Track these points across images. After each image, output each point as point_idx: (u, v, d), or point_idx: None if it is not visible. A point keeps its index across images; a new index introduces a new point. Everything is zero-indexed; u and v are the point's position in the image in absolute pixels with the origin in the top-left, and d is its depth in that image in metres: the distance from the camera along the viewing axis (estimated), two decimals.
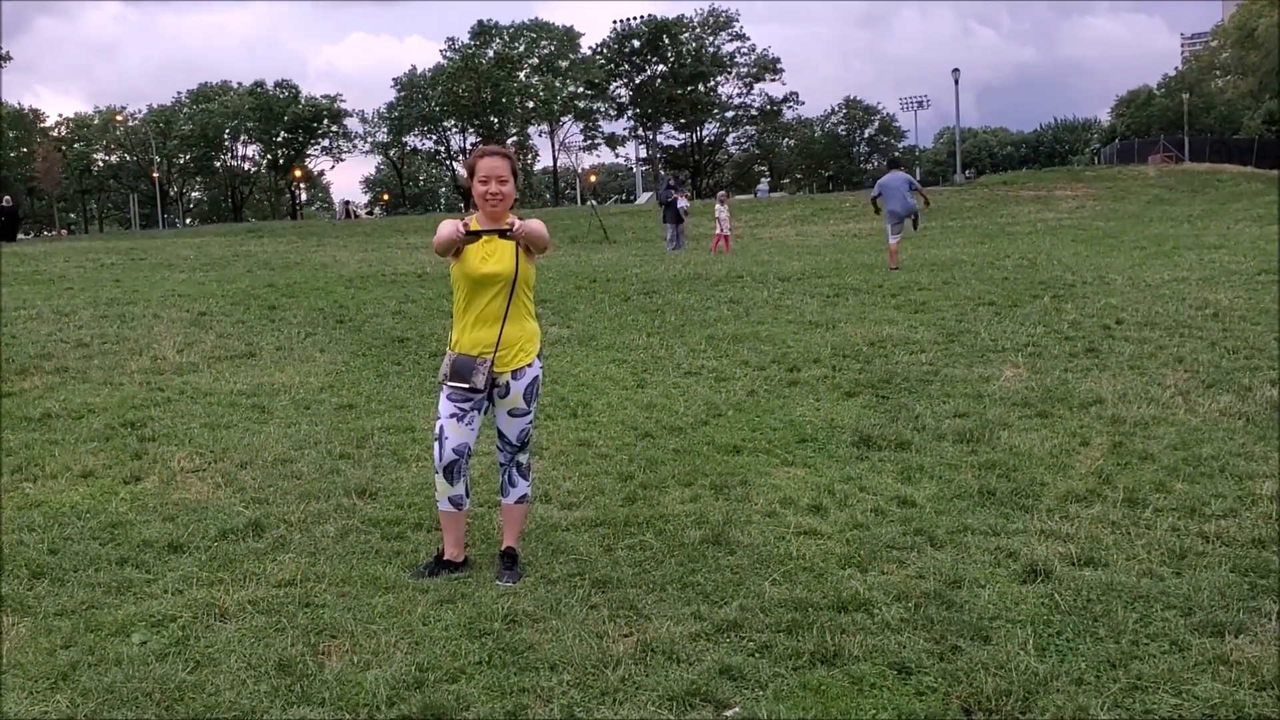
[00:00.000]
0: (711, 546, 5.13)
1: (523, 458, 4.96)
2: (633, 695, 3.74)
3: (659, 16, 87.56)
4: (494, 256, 4.72)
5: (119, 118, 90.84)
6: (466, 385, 4.71)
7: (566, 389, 8.53)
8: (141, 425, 7.65)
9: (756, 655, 4.04)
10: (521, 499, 4.99)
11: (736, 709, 3.66)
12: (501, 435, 4.93)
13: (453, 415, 4.77)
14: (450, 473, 4.79)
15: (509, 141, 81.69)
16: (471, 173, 4.74)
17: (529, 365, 4.82)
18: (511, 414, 4.86)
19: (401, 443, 7.06)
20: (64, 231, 77.73)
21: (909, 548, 5.15)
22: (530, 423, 4.93)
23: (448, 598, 4.58)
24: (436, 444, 4.81)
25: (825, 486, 6.10)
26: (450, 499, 4.84)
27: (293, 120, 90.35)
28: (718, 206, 25.93)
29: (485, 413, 4.88)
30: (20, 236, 27.45)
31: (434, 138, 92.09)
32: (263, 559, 5.06)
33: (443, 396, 4.79)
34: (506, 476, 4.98)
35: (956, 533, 5.35)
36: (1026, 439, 7.04)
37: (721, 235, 25.33)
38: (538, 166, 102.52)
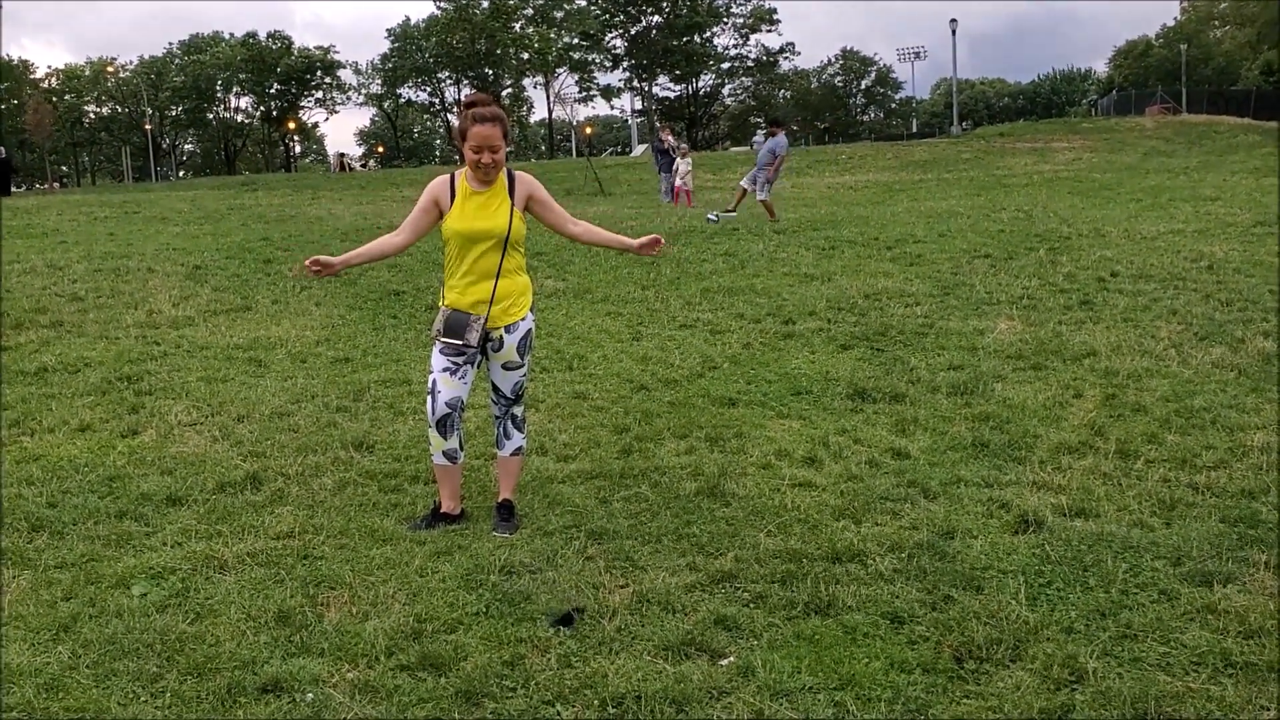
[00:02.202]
0: (707, 498, 5.17)
1: (517, 411, 4.98)
2: (629, 645, 3.79)
3: None
4: (486, 212, 4.71)
5: (110, 69, 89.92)
6: (459, 342, 4.71)
7: (562, 342, 8.55)
8: (138, 379, 7.66)
9: (751, 606, 4.09)
10: (517, 451, 5.02)
11: (731, 658, 3.71)
12: (495, 389, 4.94)
13: (445, 369, 4.77)
14: (444, 427, 4.80)
15: (504, 94, 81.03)
16: (464, 136, 4.70)
17: (522, 319, 4.82)
18: (505, 367, 4.87)
19: (398, 396, 7.08)
20: (56, 185, 77.25)
21: (902, 499, 5.19)
22: (524, 376, 4.94)
23: (445, 549, 4.62)
24: (429, 398, 4.81)
25: (820, 439, 6.13)
26: (444, 453, 4.86)
27: (286, 72, 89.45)
28: (678, 160, 23.86)
29: (479, 366, 4.89)
30: (13, 190, 27.26)
31: (428, 89, 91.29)
32: (261, 512, 5.09)
33: (435, 351, 4.79)
34: (501, 430, 4.99)
35: (950, 484, 5.39)
36: (1020, 391, 7.07)
37: (682, 189, 23.22)
38: (533, 119, 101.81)
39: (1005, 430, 6.25)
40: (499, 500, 4.98)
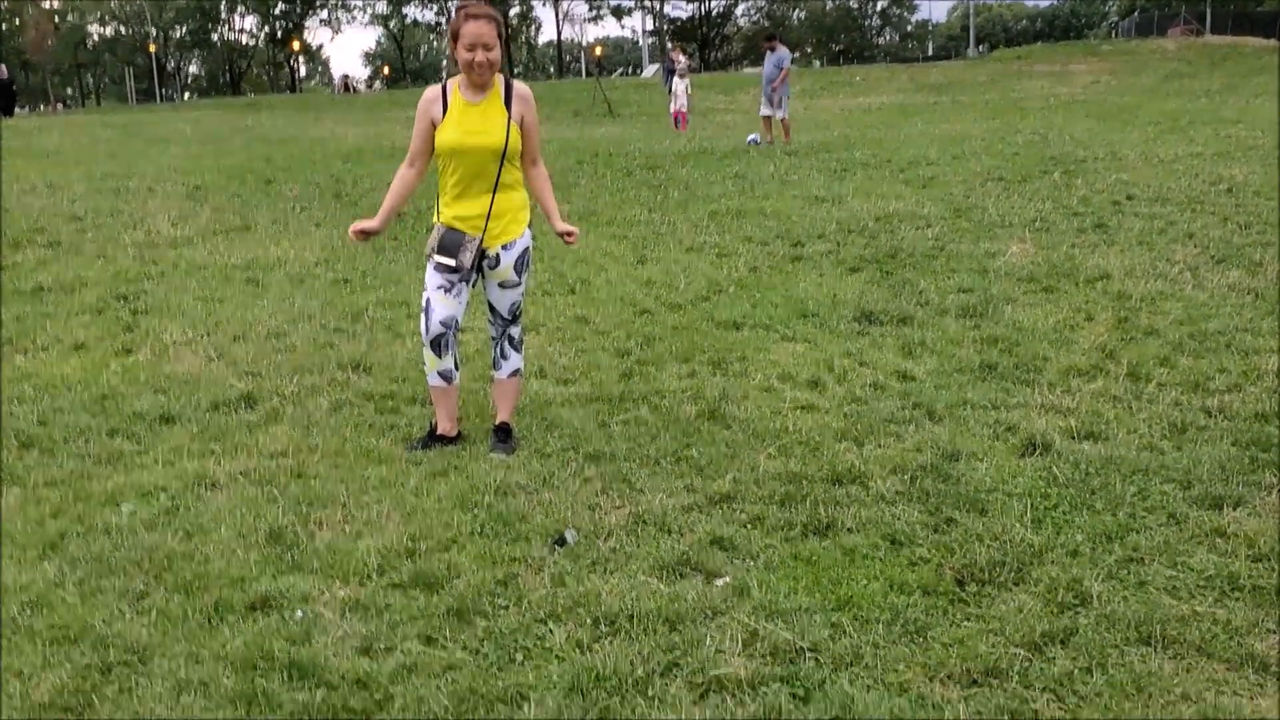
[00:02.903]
0: (707, 421, 5.08)
1: (514, 331, 4.86)
2: (623, 565, 3.72)
3: None
4: (482, 125, 4.54)
5: None
6: (453, 263, 4.58)
7: (564, 265, 8.42)
8: (134, 298, 7.58)
9: (749, 527, 4.02)
10: (514, 373, 4.91)
11: (727, 578, 3.65)
12: (492, 308, 4.82)
13: (440, 287, 4.65)
14: (438, 346, 4.70)
15: (511, 13, 79.75)
16: (455, 36, 4.51)
17: (519, 237, 4.69)
18: (502, 286, 4.74)
19: (396, 318, 6.98)
20: (59, 106, 76.44)
21: (907, 422, 5.10)
22: (521, 295, 4.82)
23: (440, 470, 4.55)
24: (423, 316, 4.69)
25: (824, 362, 6.02)
26: (439, 373, 4.76)
27: None
28: (675, 80, 22.60)
29: (474, 285, 4.77)
30: (16, 111, 26.99)
31: (434, 8, 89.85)
32: (255, 431, 5.03)
33: (430, 269, 4.66)
34: (499, 350, 4.88)
35: (955, 407, 5.29)
36: (1030, 314, 6.94)
37: (678, 112, 21.91)
38: (541, 39, 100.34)
39: (1014, 353, 6.13)
40: (496, 423, 4.89)
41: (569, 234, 4.77)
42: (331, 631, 3.30)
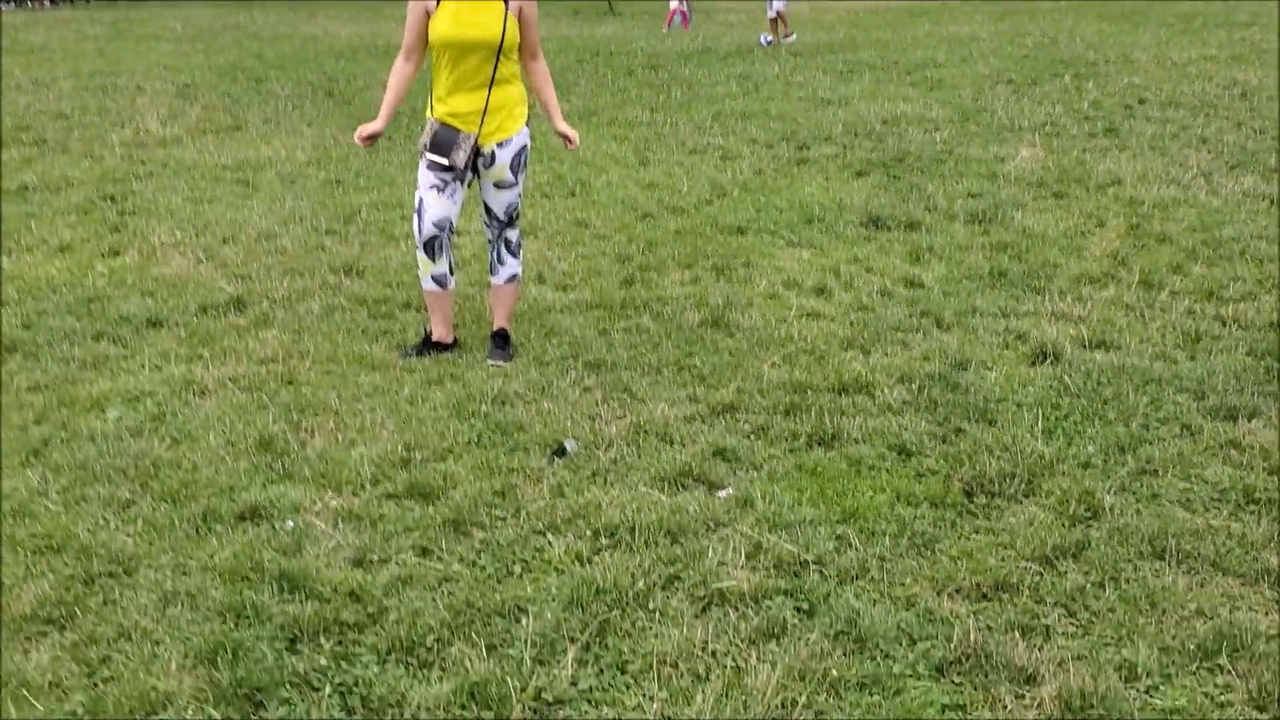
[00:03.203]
0: (710, 329, 4.95)
1: (511, 234, 4.69)
2: (623, 476, 3.63)
3: None
4: (478, 17, 4.31)
5: None
6: (446, 161, 4.38)
7: (564, 166, 8.20)
8: (122, 199, 7.38)
9: (752, 437, 3.92)
10: (512, 279, 4.76)
11: (729, 489, 3.56)
12: (488, 210, 4.64)
13: (433, 187, 4.46)
14: (431, 248, 4.53)
15: None
16: None
17: (516, 134, 4.49)
18: (498, 186, 4.55)
19: (390, 220, 6.80)
20: (46, 2, 75.01)
21: (914, 330, 4.97)
22: (518, 196, 4.63)
23: (436, 378, 4.43)
24: (416, 218, 4.51)
25: (830, 268, 5.87)
26: (434, 277, 4.61)
27: None
28: None
29: (469, 185, 4.59)
30: (3, 6, 26.35)
31: None
32: (244, 335, 4.90)
33: (422, 166, 4.47)
34: (495, 255, 4.72)
35: (964, 314, 5.16)
36: (1040, 220, 6.77)
37: (677, 10, 20.53)
38: None
39: (1024, 260, 5.98)
40: (494, 329, 4.75)
41: (568, 138, 4.59)
42: (323, 542, 3.21)
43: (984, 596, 2.97)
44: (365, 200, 7.26)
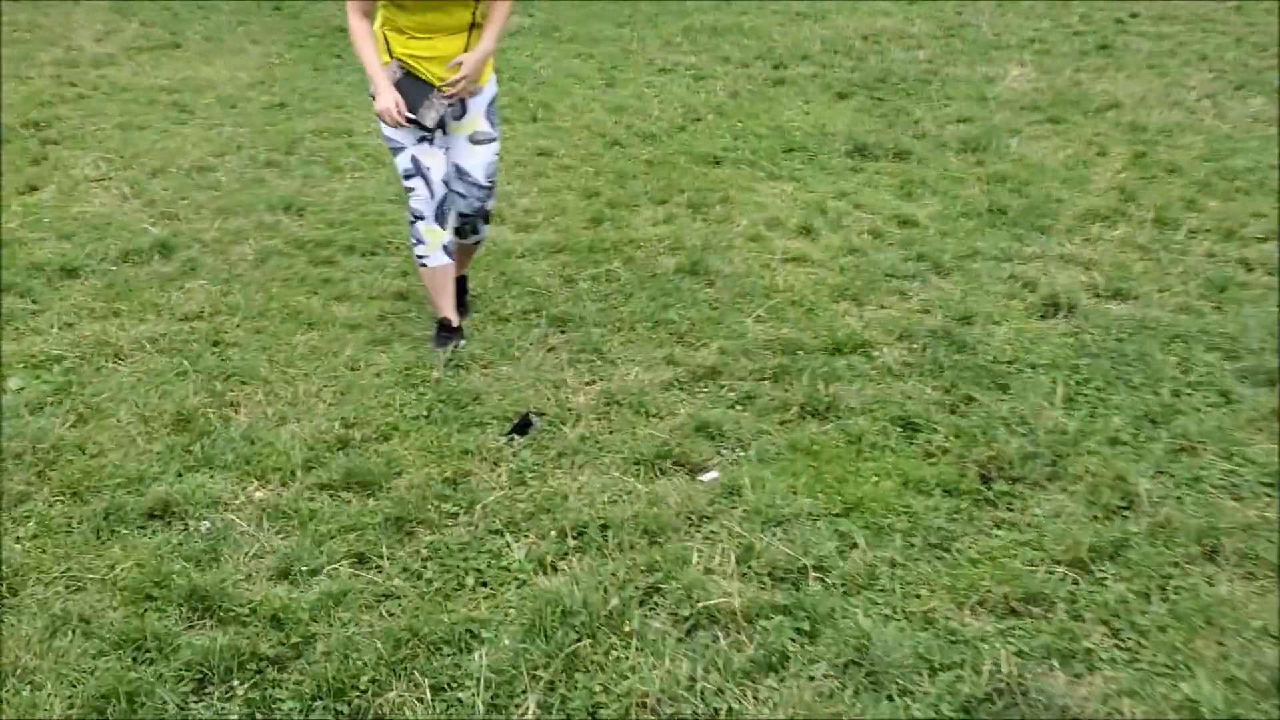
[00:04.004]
0: (687, 277, 4.47)
1: (490, 205, 3.92)
2: (594, 458, 3.18)
3: None
4: None
5: None
6: (413, 118, 3.60)
7: (525, 88, 7.60)
8: (46, 125, 6.74)
9: (738, 408, 3.48)
10: (478, 243, 4.15)
11: (715, 473, 3.12)
12: (462, 174, 3.77)
13: (422, 140, 3.66)
14: (443, 213, 3.77)
15: None
16: None
17: (486, 84, 3.78)
18: (475, 141, 3.76)
19: (336, 149, 6.22)
20: None
21: (911, 276, 4.52)
22: (498, 155, 3.88)
23: (382, 338, 3.94)
24: (416, 182, 3.67)
25: (816, 204, 5.38)
26: (444, 247, 3.82)
27: None
28: None
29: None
30: None
31: None
32: (168, 286, 4.37)
33: (388, 128, 3.69)
34: (468, 225, 3.93)
35: (964, 258, 4.71)
36: (1037, 148, 6.29)
37: None
38: None
39: (1024, 194, 5.52)
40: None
41: (457, 76, 3.63)
42: (244, 548, 2.76)
43: (1013, 612, 2.56)
44: (310, 126, 6.66)
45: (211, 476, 3.06)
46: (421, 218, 3.73)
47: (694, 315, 4.10)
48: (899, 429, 3.35)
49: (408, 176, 3.69)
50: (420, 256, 3.80)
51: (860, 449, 3.24)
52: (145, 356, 3.77)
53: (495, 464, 3.15)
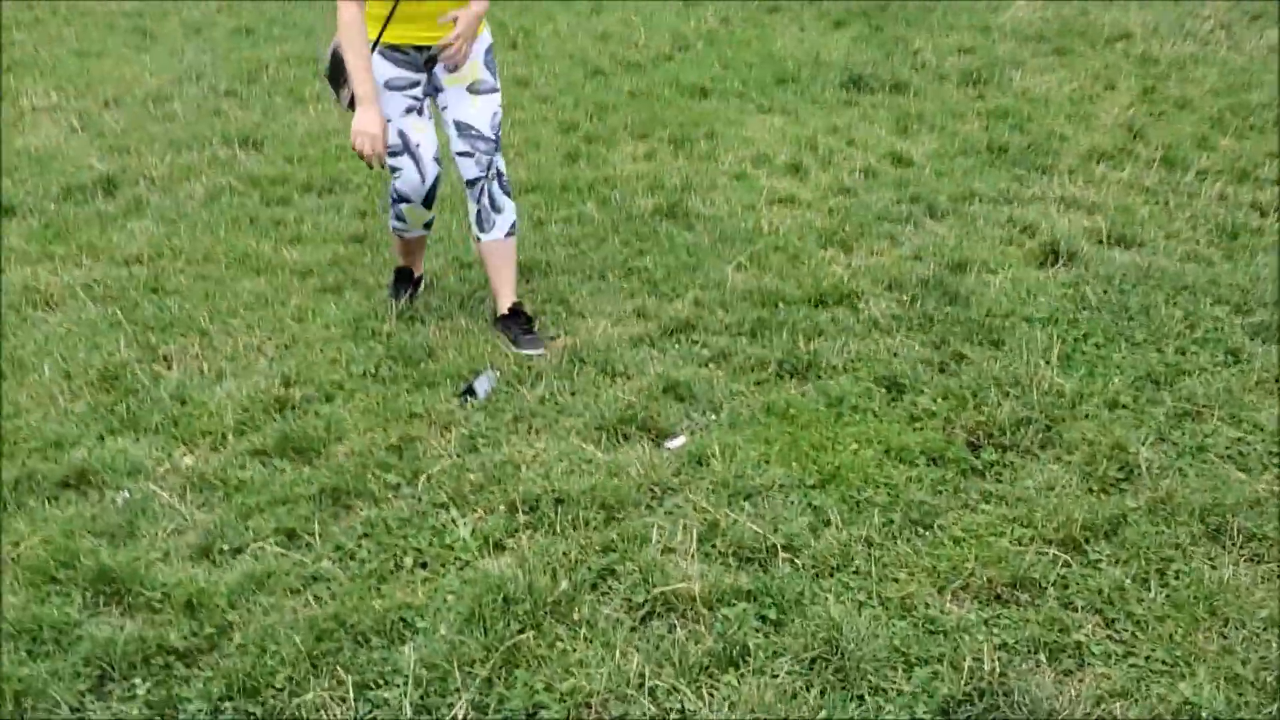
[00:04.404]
0: (665, 220, 4.20)
1: (501, 163, 3.36)
2: (552, 423, 2.94)
3: None
4: None
5: None
6: (406, 57, 3.19)
7: (505, 14, 7.25)
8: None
9: (711, 365, 3.23)
10: (512, 229, 3.39)
11: (682, 439, 2.89)
12: (464, 130, 3.26)
13: (409, 110, 3.23)
14: (433, 195, 3.32)
15: None
16: None
17: (481, 32, 3.32)
18: (474, 91, 3.27)
19: (301, 78, 5.90)
20: None
21: (903, 219, 4.26)
22: (500, 106, 3.35)
23: (333, 284, 3.69)
24: (404, 162, 3.21)
25: (807, 139, 5.09)
26: (426, 224, 3.48)
27: None
28: None
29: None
30: None
31: None
32: (110, 227, 4.11)
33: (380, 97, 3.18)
34: (485, 199, 3.33)
35: (961, 200, 4.44)
36: (1042, 81, 5.99)
37: None
38: None
39: (1026, 130, 5.23)
40: (503, 310, 3.37)
41: (453, 34, 3.18)
42: (164, 522, 2.53)
43: (998, 598, 2.34)
44: (275, 53, 6.34)
45: (136, 440, 2.82)
46: (407, 200, 3.30)
47: (670, 262, 3.84)
48: (883, 390, 3.11)
49: (393, 154, 3.20)
50: (400, 231, 3.43)
51: (840, 412, 3.00)
52: (77, 305, 3.52)
53: (446, 428, 2.91)
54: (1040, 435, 2.89)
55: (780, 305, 3.55)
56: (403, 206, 3.32)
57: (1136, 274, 3.77)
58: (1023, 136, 5.15)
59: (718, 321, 3.45)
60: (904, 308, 3.56)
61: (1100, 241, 4.06)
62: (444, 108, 3.31)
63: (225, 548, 2.44)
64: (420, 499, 2.62)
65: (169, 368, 3.17)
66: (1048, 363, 3.20)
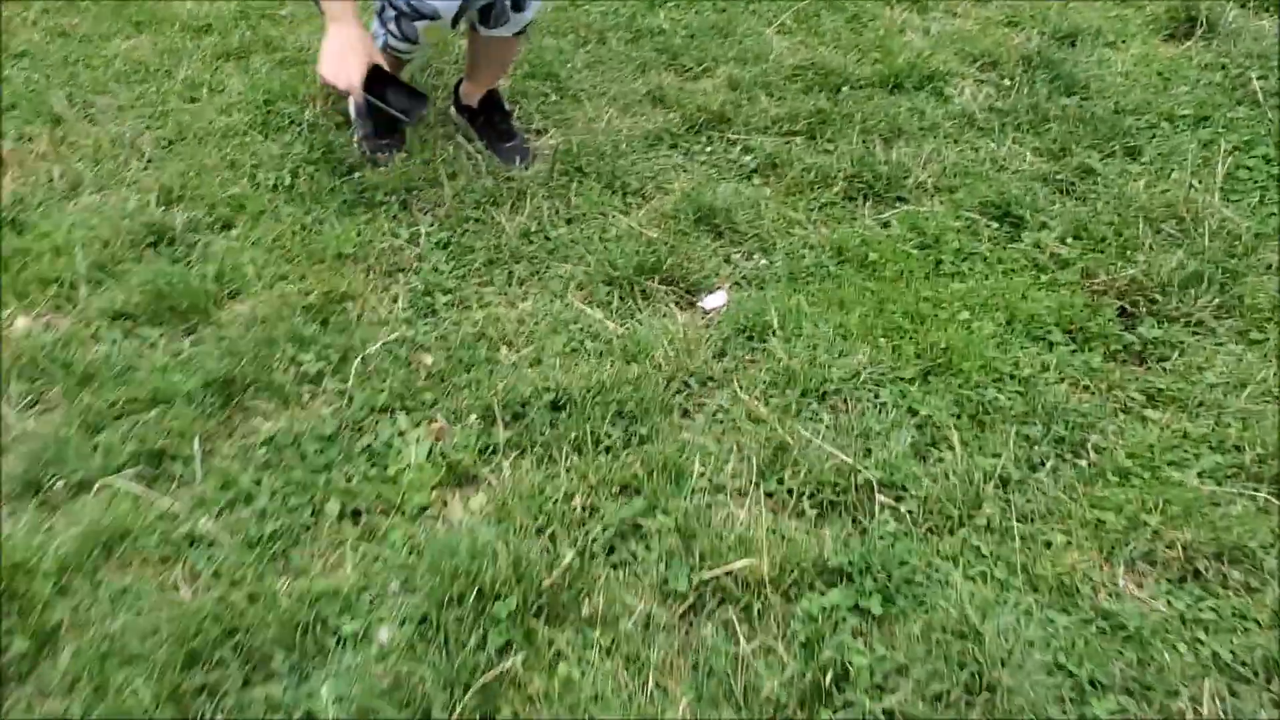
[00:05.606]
0: None
1: None
2: (542, 269, 2.10)
3: None
4: None
5: None
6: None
7: None
8: None
9: (756, 180, 2.38)
10: (524, 30, 2.36)
11: (722, 295, 2.09)
12: None
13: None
14: (464, 9, 2.24)
15: None
16: None
17: None
18: None
19: None
20: None
21: None
22: None
23: (239, 47, 2.72)
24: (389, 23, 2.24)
25: None
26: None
27: None
28: None
29: None
30: None
31: None
32: None
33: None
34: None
35: None
36: None
37: None
38: None
39: None
40: (478, 101, 2.49)
41: None
42: None
43: (1197, 574, 1.61)
44: None
45: None
46: (431, 18, 2.18)
47: (691, 21, 2.88)
48: (993, 223, 2.27)
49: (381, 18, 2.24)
50: (399, 53, 2.34)
51: (939, 257, 2.18)
52: None
53: (389, 277, 2.07)
54: (1215, 300, 2.09)
55: (843, 90, 2.64)
56: (420, 25, 2.26)
57: None
58: None
59: (761, 113, 2.56)
60: (1004, 97, 2.67)
61: (1245, 4, 3.12)
62: None
63: (61, 484, 1.64)
64: (350, 398, 1.81)
65: (3, 178, 2.27)
66: (1206, 186, 2.36)
